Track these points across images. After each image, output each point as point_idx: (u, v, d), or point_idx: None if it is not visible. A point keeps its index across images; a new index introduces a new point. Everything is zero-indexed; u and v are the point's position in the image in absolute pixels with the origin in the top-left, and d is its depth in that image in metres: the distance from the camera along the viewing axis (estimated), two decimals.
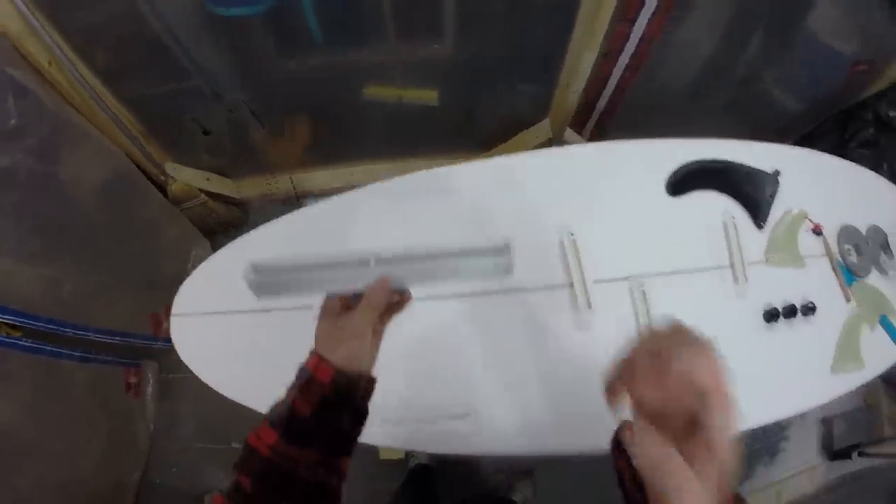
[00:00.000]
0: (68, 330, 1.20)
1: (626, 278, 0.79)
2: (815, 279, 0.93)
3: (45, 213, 1.12)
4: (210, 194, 1.40)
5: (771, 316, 0.84)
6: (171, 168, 1.38)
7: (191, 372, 0.80)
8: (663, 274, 0.81)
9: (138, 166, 1.33)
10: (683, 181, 0.86)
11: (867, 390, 1.53)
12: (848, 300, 0.96)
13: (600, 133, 1.40)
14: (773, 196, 0.92)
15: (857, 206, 1.05)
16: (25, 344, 1.09)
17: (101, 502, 1.30)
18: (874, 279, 1.01)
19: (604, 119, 1.33)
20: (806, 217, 0.96)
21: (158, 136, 1.34)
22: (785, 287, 0.89)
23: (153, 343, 1.41)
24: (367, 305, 0.45)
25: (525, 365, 0.75)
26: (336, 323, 0.45)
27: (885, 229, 1.07)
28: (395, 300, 0.49)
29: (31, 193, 1.05)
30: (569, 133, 1.33)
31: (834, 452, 1.49)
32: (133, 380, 1.39)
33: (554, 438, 0.72)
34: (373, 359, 0.47)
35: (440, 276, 0.47)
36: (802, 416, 1.50)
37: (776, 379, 0.87)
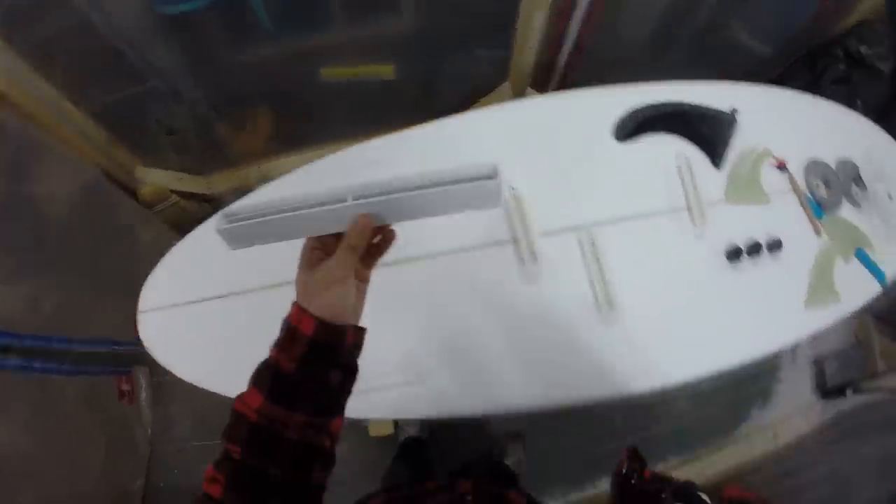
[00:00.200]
0: (54, 344, 1.21)
1: (574, 228, 0.78)
2: (781, 215, 0.92)
3: (20, 231, 1.12)
4: (182, 194, 1.40)
5: (734, 255, 0.84)
6: (141, 172, 1.38)
7: None
8: (615, 221, 0.80)
9: (108, 174, 1.33)
10: (634, 126, 0.85)
11: (858, 326, 1.53)
12: (818, 234, 0.95)
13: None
14: (730, 135, 0.90)
15: (825, 140, 1.04)
16: (14, 362, 1.10)
17: None
18: (847, 212, 1.00)
19: (566, 77, 1.32)
20: (769, 153, 0.95)
21: (125, 142, 1.34)
22: (749, 225, 0.88)
23: (141, 348, 1.41)
24: (346, 247, 0.41)
25: (476, 324, 0.75)
26: (316, 270, 0.42)
27: (857, 162, 1.05)
28: (378, 240, 0.46)
29: (3, 213, 1.06)
30: (530, 94, 1.31)
31: (828, 391, 1.49)
32: (126, 387, 1.41)
33: (511, 394, 0.73)
34: (358, 307, 0.44)
35: (424, 208, 0.43)
36: (794, 358, 1.50)
37: (748, 317, 0.86)
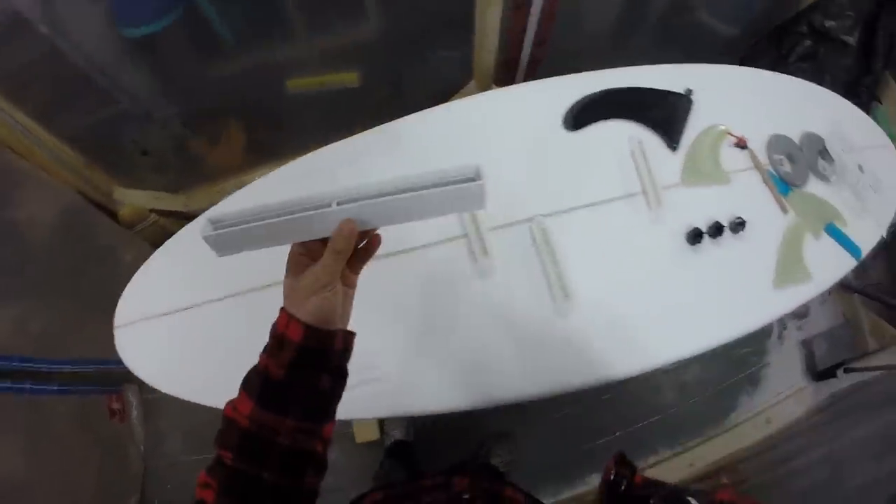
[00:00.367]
0: (42, 365, 1.23)
1: (526, 220, 0.78)
2: (744, 195, 0.91)
3: (4, 255, 1.15)
4: (161, 212, 1.42)
5: (694, 237, 0.82)
6: (120, 193, 1.40)
7: None
8: (568, 210, 0.80)
9: (87, 197, 1.36)
10: (585, 115, 0.84)
11: (845, 305, 1.50)
12: (785, 211, 0.93)
13: None
14: (685, 116, 0.90)
15: (788, 116, 1.02)
16: (5, 385, 1.12)
17: None
18: (815, 187, 0.98)
19: (532, 71, 1.32)
20: (728, 132, 0.94)
21: (101, 165, 1.36)
22: (709, 206, 0.87)
23: None
24: (332, 252, 0.41)
25: (433, 320, 0.75)
26: (302, 276, 0.42)
27: (823, 135, 1.04)
28: (362, 244, 0.46)
29: None
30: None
31: (819, 373, 1.46)
32: (116, 405, 1.42)
33: (471, 389, 0.72)
34: (346, 312, 0.45)
35: (409, 211, 0.43)
36: (781, 341, 1.47)
37: (714, 300, 0.85)
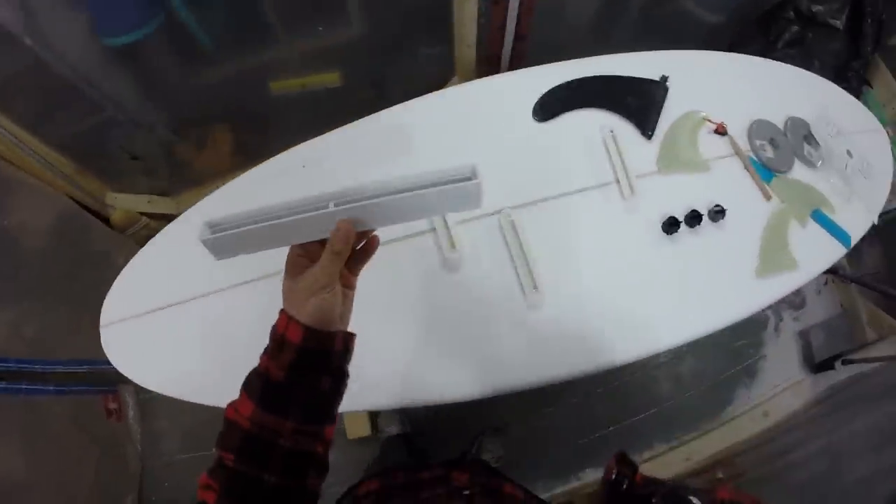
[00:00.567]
0: (37, 366, 1.25)
1: (495, 213, 0.77)
2: (724, 182, 0.89)
3: None
4: (152, 216, 1.44)
5: (669, 226, 0.81)
6: (111, 198, 1.42)
7: None
8: (537, 201, 0.79)
9: (79, 203, 1.38)
10: (555, 105, 0.83)
11: (842, 295, 1.46)
12: (768, 198, 0.91)
13: None
14: (660, 104, 0.88)
15: (772, 101, 1.00)
16: (1, 386, 1.14)
17: None
18: (799, 173, 0.96)
19: (515, 68, 1.31)
20: (706, 119, 0.92)
21: (92, 171, 1.39)
22: (687, 195, 0.85)
23: None
24: (330, 253, 0.41)
25: (403, 315, 0.74)
26: (300, 277, 0.42)
27: (808, 120, 1.01)
28: (361, 245, 0.46)
29: None
30: None
31: (816, 365, 1.42)
32: (113, 405, 1.44)
33: (439, 383, 0.72)
34: (346, 313, 0.45)
35: (406, 211, 0.44)
36: (777, 333, 1.44)
37: (694, 290, 0.83)
